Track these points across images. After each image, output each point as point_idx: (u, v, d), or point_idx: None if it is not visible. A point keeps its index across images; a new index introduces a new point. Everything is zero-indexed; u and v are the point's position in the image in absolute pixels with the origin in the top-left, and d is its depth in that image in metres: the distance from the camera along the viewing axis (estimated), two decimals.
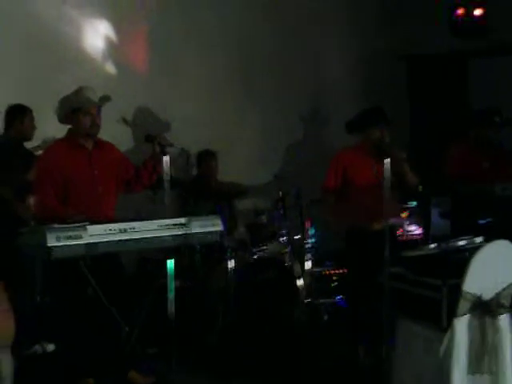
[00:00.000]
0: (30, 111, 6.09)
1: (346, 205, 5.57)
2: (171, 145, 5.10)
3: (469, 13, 8.44)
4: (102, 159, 5.11)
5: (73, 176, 4.97)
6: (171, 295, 4.76)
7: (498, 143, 6.63)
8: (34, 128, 6.14)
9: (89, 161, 5.06)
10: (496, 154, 6.56)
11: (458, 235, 4.73)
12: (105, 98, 5.06)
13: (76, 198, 4.97)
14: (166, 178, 4.97)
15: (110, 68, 7.00)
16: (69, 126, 5.12)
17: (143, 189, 5.34)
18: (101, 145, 5.18)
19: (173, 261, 4.75)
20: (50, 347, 5.51)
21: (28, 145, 6.18)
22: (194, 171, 7.30)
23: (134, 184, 5.29)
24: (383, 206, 4.89)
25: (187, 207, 6.64)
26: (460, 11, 8.44)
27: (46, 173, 4.98)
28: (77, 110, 5.00)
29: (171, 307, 4.75)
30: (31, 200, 5.32)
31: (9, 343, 4.65)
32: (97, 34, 6.91)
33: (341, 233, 5.74)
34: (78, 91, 5.02)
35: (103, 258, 4.54)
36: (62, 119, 5.10)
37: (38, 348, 5.52)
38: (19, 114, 6.07)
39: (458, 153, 6.56)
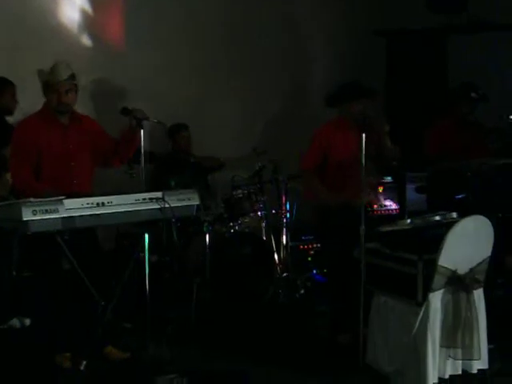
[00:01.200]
0: (12, 85, 5.96)
1: (329, 181, 5.47)
2: (147, 118, 5.07)
3: None
4: (77, 134, 5.05)
5: (46, 150, 4.93)
6: (147, 270, 4.79)
7: (473, 118, 6.65)
8: (15, 102, 6.02)
9: (63, 135, 5.00)
10: (472, 130, 6.58)
11: (434, 210, 4.76)
12: (72, 76, 4.98)
13: (49, 171, 4.93)
14: (143, 151, 4.97)
15: (86, 41, 6.93)
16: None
17: (121, 163, 5.28)
18: (78, 119, 5.12)
19: (147, 235, 4.78)
20: (27, 322, 5.50)
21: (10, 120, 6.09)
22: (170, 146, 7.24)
23: (112, 158, 5.24)
24: (365, 181, 4.89)
25: (164, 181, 6.61)
26: None
27: (22, 147, 4.93)
28: (46, 85, 4.97)
29: (146, 282, 4.78)
30: (8, 176, 5.26)
31: None
32: (73, 7, 6.82)
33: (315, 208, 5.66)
34: (52, 66, 4.96)
35: (79, 232, 4.52)
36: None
37: (15, 322, 5.51)
38: None
39: (437, 131, 6.57)
